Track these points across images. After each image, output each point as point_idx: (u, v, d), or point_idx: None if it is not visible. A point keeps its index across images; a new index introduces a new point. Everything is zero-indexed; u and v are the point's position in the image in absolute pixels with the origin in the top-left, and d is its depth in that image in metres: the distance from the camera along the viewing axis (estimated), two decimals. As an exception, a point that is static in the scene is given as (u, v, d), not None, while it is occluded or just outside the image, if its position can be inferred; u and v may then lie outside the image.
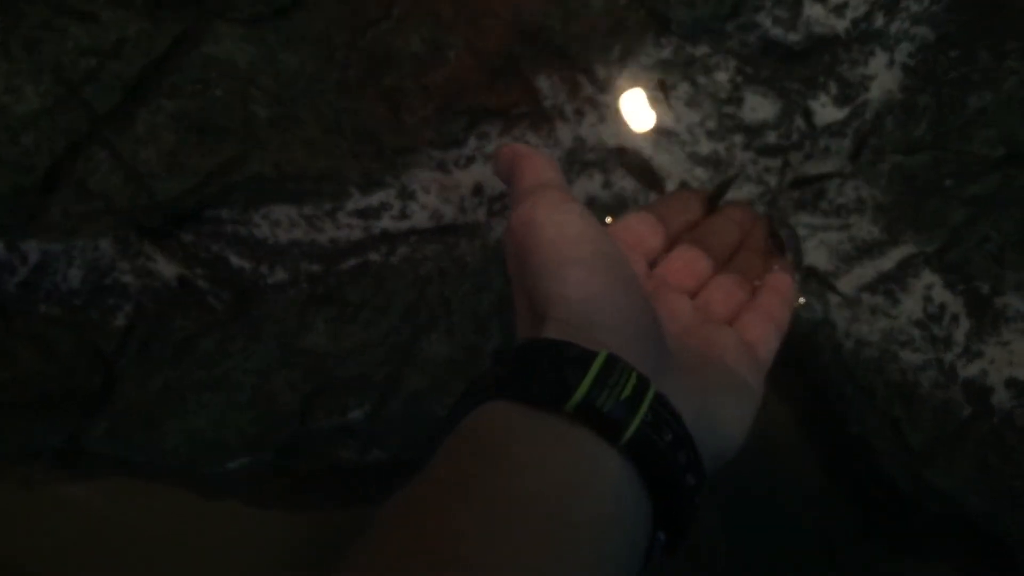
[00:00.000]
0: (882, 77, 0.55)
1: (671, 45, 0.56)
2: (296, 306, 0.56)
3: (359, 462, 0.56)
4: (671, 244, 0.45)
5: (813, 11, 0.55)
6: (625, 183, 0.56)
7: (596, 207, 0.56)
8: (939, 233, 0.55)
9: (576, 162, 0.56)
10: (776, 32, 0.55)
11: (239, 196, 0.55)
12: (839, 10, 0.55)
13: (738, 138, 0.56)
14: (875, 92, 0.56)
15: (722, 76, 0.56)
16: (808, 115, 0.56)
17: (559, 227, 0.34)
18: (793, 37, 0.55)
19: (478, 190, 0.56)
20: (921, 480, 0.54)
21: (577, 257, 0.33)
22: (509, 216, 0.36)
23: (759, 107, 0.56)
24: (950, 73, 0.56)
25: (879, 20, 0.55)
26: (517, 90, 0.56)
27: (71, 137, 0.54)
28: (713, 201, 0.52)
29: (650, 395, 0.29)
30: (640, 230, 0.43)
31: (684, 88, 0.56)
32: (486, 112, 0.56)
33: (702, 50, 0.56)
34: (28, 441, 0.56)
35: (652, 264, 0.44)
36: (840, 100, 0.56)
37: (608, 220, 0.55)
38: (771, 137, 0.56)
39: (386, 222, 0.56)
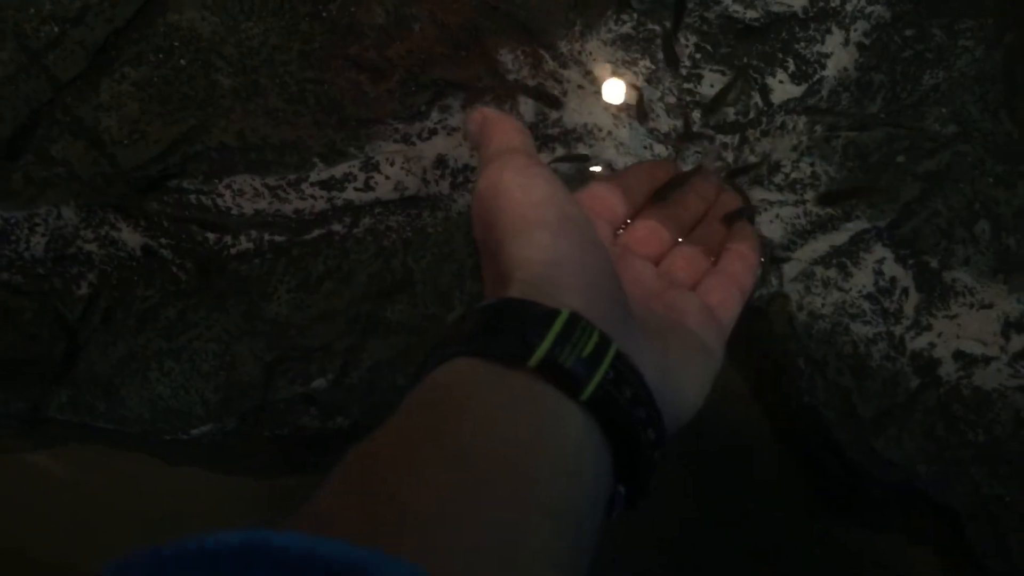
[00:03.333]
0: (838, 55, 0.56)
1: (632, 21, 0.56)
2: (259, 276, 0.56)
3: (322, 429, 0.57)
4: (636, 213, 0.45)
5: (772, -11, 0.56)
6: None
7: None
8: (891, 208, 0.56)
9: (538, 136, 0.57)
10: (735, 9, 0.56)
11: (203, 165, 0.55)
12: (797, -12, 0.56)
13: (696, 114, 0.57)
14: (831, 70, 0.57)
15: (682, 52, 0.56)
16: (765, 92, 0.57)
17: (525, 191, 0.34)
18: (752, 14, 0.56)
19: (441, 162, 0.57)
20: (871, 450, 0.56)
21: (542, 220, 0.33)
22: (476, 179, 0.36)
23: (718, 83, 0.57)
24: (904, 51, 0.57)
25: (836, -2, 0.56)
26: (480, 63, 0.56)
27: (33, 104, 0.54)
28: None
29: (611, 353, 0.30)
30: (606, 198, 0.43)
31: (644, 64, 0.57)
32: (449, 85, 0.56)
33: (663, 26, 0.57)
34: (-9, 409, 0.56)
35: (617, 232, 0.44)
36: (797, 77, 0.57)
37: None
38: (729, 113, 0.57)
39: (350, 193, 0.56)
